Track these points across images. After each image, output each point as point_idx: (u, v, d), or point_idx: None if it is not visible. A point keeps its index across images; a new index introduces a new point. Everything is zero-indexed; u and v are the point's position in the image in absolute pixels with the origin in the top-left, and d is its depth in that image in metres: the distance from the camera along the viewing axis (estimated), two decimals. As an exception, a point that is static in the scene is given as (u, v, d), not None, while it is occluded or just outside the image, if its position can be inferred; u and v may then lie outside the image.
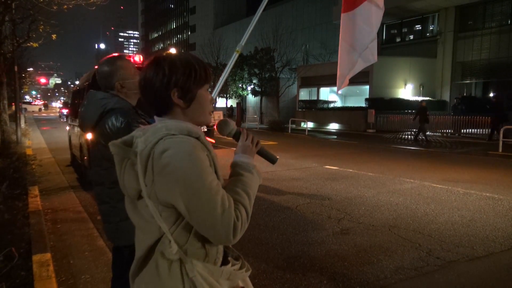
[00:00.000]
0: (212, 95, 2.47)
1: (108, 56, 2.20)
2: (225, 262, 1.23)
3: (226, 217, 1.08)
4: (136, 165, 1.15)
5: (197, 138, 1.17)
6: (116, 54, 2.37)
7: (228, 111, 30.49)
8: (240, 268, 1.27)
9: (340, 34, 3.45)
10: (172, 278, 1.14)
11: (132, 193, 1.20)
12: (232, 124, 1.37)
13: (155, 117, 1.27)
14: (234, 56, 2.44)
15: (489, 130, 15.74)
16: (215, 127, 1.39)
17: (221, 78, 2.40)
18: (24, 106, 60.45)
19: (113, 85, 2.03)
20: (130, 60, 2.15)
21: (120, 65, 2.05)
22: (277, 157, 1.46)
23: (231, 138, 1.38)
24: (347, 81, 3.53)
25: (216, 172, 1.18)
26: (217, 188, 1.10)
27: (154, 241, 1.17)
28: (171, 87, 1.20)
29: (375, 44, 3.46)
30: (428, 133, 17.34)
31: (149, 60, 1.28)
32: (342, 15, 3.42)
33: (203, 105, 1.27)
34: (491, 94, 23.66)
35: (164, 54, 1.26)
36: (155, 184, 1.11)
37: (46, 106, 71.28)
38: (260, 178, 1.30)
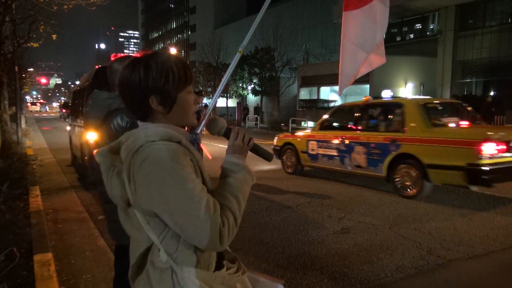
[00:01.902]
0: (215, 95, 2.47)
1: (119, 55, 2.21)
2: (220, 265, 1.19)
3: (211, 223, 1.03)
4: (122, 173, 1.13)
5: (179, 143, 1.13)
6: (129, 54, 2.38)
7: (244, 111, 29.55)
8: (236, 271, 1.23)
9: (342, 33, 3.36)
10: (163, 287, 1.12)
11: (120, 201, 1.17)
12: (221, 122, 1.32)
13: (138, 122, 1.22)
14: (237, 57, 2.42)
15: None
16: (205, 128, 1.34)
17: (223, 80, 2.39)
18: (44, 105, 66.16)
19: None
20: None
21: None
22: (273, 154, 1.43)
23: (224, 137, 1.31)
24: (351, 82, 3.45)
25: (202, 176, 1.14)
26: (200, 195, 1.05)
27: (144, 250, 1.15)
28: (149, 94, 1.15)
29: (383, 45, 3.39)
30: None
31: (127, 61, 1.22)
32: (344, 13, 3.33)
33: (185, 108, 1.22)
34: (492, 93, 23.63)
35: (141, 55, 1.20)
36: (137, 194, 1.09)
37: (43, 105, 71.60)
38: (252, 178, 1.24)
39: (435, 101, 7.52)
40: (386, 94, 7.31)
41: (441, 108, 7.11)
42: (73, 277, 3.37)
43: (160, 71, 1.15)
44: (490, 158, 5.37)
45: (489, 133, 5.71)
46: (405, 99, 7.32)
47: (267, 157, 1.39)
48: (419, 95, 24.15)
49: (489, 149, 5.34)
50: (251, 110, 30.91)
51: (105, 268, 3.51)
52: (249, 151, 1.33)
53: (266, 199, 6.19)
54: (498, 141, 5.45)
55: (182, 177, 1.06)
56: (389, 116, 6.75)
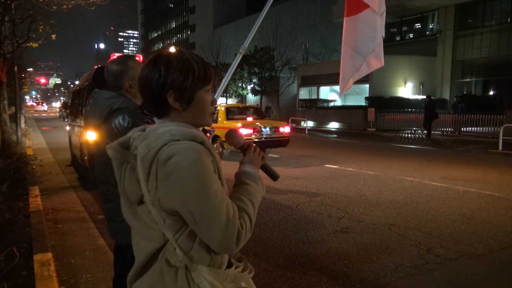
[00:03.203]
0: (215, 96, 2.47)
1: (118, 55, 2.19)
2: (228, 264, 1.21)
3: (230, 225, 1.06)
4: (137, 169, 1.12)
5: (202, 143, 1.13)
6: (126, 54, 2.37)
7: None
8: (243, 269, 1.25)
9: (342, 38, 3.44)
10: (178, 285, 1.12)
11: (133, 198, 1.17)
12: (241, 136, 1.37)
13: (155, 119, 1.23)
14: (238, 58, 2.43)
15: (423, 126, 17.36)
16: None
17: (224, 80, 2.40)
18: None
19: (122, 84, 2.01)
20: (140, 61, 2.14)
21: (131, 65, 2.04)
22: (279, 175, 1.45)
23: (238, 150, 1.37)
24: (350, 85, 3.51)
25: (220, 178, 1.15)
26: (222, 196, 1.07)
27: (158, 248, 1.14)
28: (167, 89, 1.15)
29: (381, 48, 3.44)
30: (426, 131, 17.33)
31: (148, 58, 1.23)
32: (345, 19, 3.40)
33: (202, 108, 1.22)
34: (491, 92, 23.67)
35: (162, 52, 1.21)
36: (158, 192, 1.08)
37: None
38: (264, 189, 1.28)
39: (235, 106, 12.53)
40: (222, 101, 10.93)
41: (240, 110, 11.80)
42: (73, 277, 3.37)
43: (181, 67, 1.16)
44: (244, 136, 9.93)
45: (244, 122, 10.39)
46: (220, 105, 11.77)
47: (274, 176, 1.43)
48: (419, 94, 24.21)
49: (242, 131, 9.10)
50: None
51: (105, 268, 3.51)
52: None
53: (266, 199, 6.19)
54: (248, 127, 10.19)
55: (206, 178, 1.06)
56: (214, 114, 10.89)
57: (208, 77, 1.21)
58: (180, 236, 1.11)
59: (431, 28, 26.15)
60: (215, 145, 10.20)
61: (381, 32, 3.35)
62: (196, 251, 1.12)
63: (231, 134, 1.35)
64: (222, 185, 1.14)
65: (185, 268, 1.12)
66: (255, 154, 1.32)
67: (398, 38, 27.81)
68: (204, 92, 1.22)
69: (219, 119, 10.83)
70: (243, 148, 1.35)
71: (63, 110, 34.56)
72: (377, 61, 3.45)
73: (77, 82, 14.65)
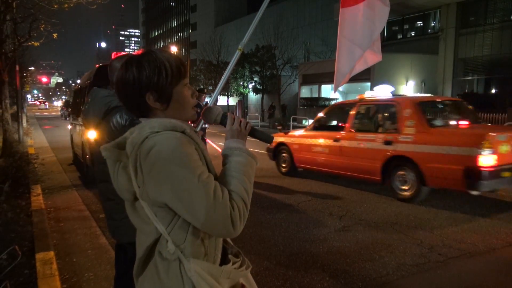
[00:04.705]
0: (215, 93, 2.47)
1: (123, 53, 2.21)
2: (224, 259, 1.21)
3: (221, 209, 1.05)
4: (128, 167, 1.14)
5: (183, 132, 1.14)
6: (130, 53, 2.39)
7: (270, 109, 28.86)
8: (241, 265, 1.25)
9: (338, 30, 3.33)
10: (171, 278, 1.12)
11: (126, 195, 1.19)
12: (217, 110, 1.32)
13: (141, 119, 1.24)
14: (237, 54, 2.42)
15: None
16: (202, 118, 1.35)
17: (223, 77, 2.39)
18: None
19: None
20: None
21: None
22: (272, 136, 1.38)
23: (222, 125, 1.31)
24: (346, 79, 3.42)
25: (207, 165, 1.15)
26: (207, 181, 1.07)
27: (153, 242, 1.15)
28: (144, 91, 1.16)
29: (379, 42, 3.38)
30: None
31: (122, 61, 1.23)
32: (341, 9, 3.32)
33: (182, 102, 1.22)
34: (493, 91, 23.60)
35: (132, 55, 1.22)
36: (145, 185, 1.09)
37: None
38: (255, 160, 1.25)
39: None
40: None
41: None
42: (75, 275, 3.38)
43: (153, 67, 1.16)
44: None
45: None
46: None
47: (266, 139, 1.38)
48: (421, 93, 24.15)
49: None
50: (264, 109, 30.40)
51: (106, 266, 3.52)
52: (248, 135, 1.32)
53: (268, 197, 6.19)
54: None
55: (188, 164, 1.07)
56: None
57: (182, 72, 1.21)
58: (173, 228, 1.12)
59: (433, 26, 26.06)
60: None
61: (381, 25, 3.25)
62: (188, 243, 1.12)
63: (206, 111, 1.32)
64: (210, 172, 1.14)
65: (178, 261, 1.12)
66: (236, 125, 1.28)
67: (399, 36, 27.73)
68: (181, 87, 1.22)
69: None
70: (223, 122, 1.31)
71: (65, 109, 34.63)
72: (375, 56, 3.38)
73: (78, 81, 14.68)
